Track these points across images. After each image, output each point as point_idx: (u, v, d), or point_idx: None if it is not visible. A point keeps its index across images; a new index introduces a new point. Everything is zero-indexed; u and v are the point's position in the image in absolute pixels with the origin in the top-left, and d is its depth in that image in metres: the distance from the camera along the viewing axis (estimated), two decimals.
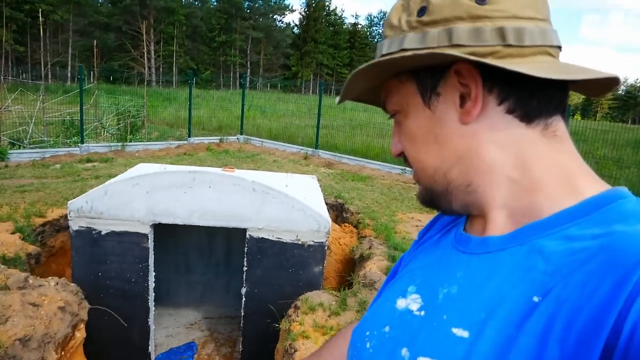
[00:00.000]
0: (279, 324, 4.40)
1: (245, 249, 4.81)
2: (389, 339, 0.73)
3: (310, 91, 68.74)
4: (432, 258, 0.79)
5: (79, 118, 11.38)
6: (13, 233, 5.24)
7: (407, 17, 0.69)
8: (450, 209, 0.74)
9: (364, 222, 6.88)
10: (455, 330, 0.63)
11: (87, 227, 4.64)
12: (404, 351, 0.68)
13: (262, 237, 4.77)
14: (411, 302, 0.74)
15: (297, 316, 4.10)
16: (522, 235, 0.64)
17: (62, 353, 4.00)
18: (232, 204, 4.68)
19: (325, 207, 5.22)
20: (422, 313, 0.70)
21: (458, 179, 0.70)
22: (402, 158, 0.78)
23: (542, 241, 0.61)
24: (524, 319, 0.57)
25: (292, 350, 3.65)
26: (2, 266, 4.25)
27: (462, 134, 0.68)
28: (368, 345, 0.76)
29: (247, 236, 4.78)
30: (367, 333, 0.78)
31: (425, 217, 7.67)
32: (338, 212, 7.88)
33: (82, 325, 4.35)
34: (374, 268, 4.99)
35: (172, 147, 12.56)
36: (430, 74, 0.69)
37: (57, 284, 4.21)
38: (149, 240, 4.73)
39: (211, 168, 6.18)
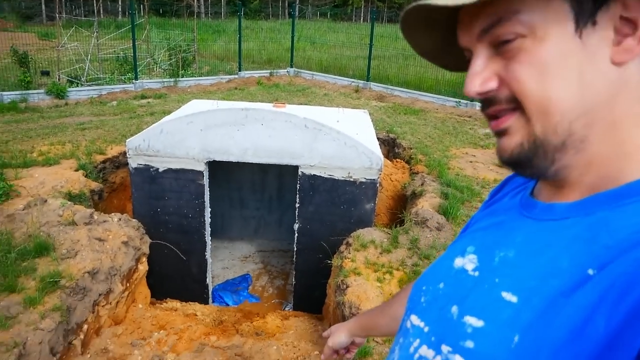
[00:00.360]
0: (331, 260, 4.49)
1: (298, 185, 4.85)
2: (442, 295, 0.74)
3: (362, 19, 66.46)
4: (497, 219, 0.77)
5: (132, 54, 11.53)
6: (76, 170, 5.49)
7: None
8: (546, 171, 0.63)
9: (416, 158, 6.77)
10: (504, 294, 0.62)
11: (145, 165, 4.79)
12: (454, 308, 0.69)
13: (314, 174, 4.78)
14: (467, 262, 0.73)
15: (349, 253, 4.15)
16: (590, 205, 0.60)
17: (127, 284, 4.26)
18: (284, 141, 4.68)
19: (377, 143, 5.14)
20: (476, 274, 0.70)
21: (579, 132, 0.59)
22: (483, 101, 0.65)
23: (609, 214, 0.58)
24: (574, 290, 0.55)
25: (344, 286, 3.72)
26: (69, 202, 4.48)
27: (609, 77, 0.58)
28: (422, 300, 0.78)
29: (299, 173, 4.80)
30: (424, 288, 0.80)
31: (480, 152, 7.45)
32: (390, 147, 7.78)
33: (144, 259, 4.60)
34: (426, 205, 4.94)
35: (222, 82, 12.60)
36: None
37: (120, 219, 4.42)
38: (204, 177, 4.84)
39: (262, 104, 6.17)
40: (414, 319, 0.78)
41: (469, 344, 0.64)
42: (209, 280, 5.43)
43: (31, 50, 12.25)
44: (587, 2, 0.57)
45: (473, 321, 0.65)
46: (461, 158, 7.00)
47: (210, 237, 5.24)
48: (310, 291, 5.15)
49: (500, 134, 0.64)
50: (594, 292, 0.53)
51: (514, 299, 0.61)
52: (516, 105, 0.61)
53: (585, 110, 0.58)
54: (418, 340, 0.74)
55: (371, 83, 13.12)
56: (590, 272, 0.55)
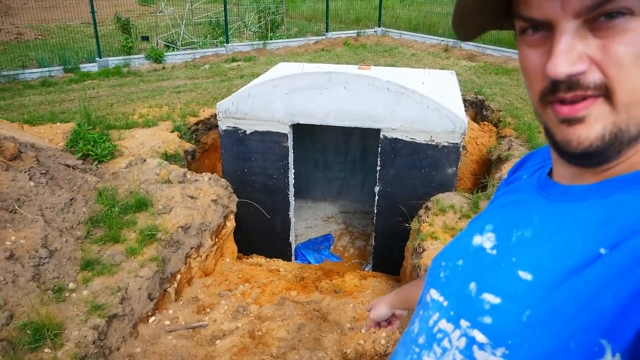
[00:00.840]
0: (410, 223, 4.52)
1: (379, 148, 4.88)
2: (461, 272, 0.76)
3: None
4: (515, 198, 0.78)
5: (223, 18, 11.88)
6: (172, 132, 5.87)
7: None
8: (608, 161, 0.60)
9: (504, 121, 6.51)
10: (521, 273, 0.65)
11: (233, 127, 5.03)
12: (472, 285, 0.72)
13: (395, 138, 4.78)
14: (486, 240, 0.75)
15: (428, 217, 4.16)
16: (605, 188, 0.61)
17: (216, 239, 4.58)
18: (366, 104, 4.70)
19: (462, 106, 5.01)
20: (494, 252, 0.72)
21: None
22: (559, 83, 0.58)
23: (624, 196, 0.59)
24: (585, 267, 0.57)
25: (421, 249, 3.76)
26: (165, 162, 4.84)
27: None
28: (441, 275, 0.80)
29: (381, 136, 4.82)
30: (443, 264, 0.82)
31: None
32: (477, 109, 7.52)
33: (232, 216, 4.89)
34: None
35: (310, 44, 12.67)
36: None
37: (210, 179, 4.71)
38: (289, 140, 5.01)
39: (347, 66, 6.18)
40: (434, 293, 0.80)
41: (487, 319, 0.66)
42: (292, 238, 5.67)
43: (132, 17, 12.98)
44: None
45: (491, 298, 0.67)
46: None
47: (294, 198, 5.45)
48: (389, 253, 5.23)
49: (573, 121, 0.59)
50: (604, 269, 0.55)
51: (529, 277, 0.63)
52: (604, 92, 0.56)
53: None
54: (437, 314, 0.77)
55: (461, 42, 12.57)
56: (602, 251, 0.57)
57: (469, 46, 12.31)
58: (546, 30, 0.59)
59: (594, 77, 0.56)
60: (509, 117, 6.61)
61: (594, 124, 0.57)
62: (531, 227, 0.68)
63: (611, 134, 0.57)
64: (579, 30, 0.56)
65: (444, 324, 0.74)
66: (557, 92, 0.58)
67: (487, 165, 5.68)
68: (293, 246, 5.78)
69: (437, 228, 3.95)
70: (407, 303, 1.27)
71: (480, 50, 11.87)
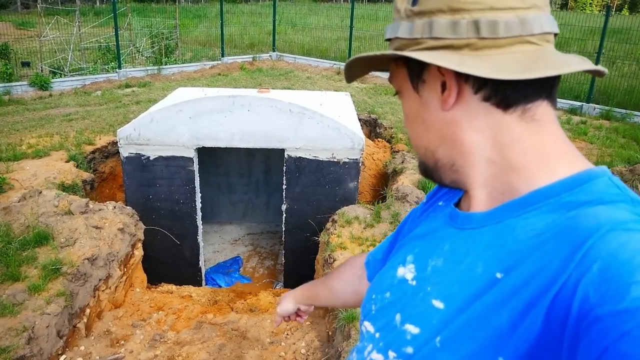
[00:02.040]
0: (318, 237, 4.73)
1: (284, 168, 5.06)
2: (388, 304, 0.81)
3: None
4: (431, 227, 0.85)
5: (114, 43, 11.54)
6: (67, 161, 5.64)
7: (406, 4, 0.71)
8: (442, 182, 0.79)
9: (397, 137, 7.00)
10: (434, 302, 0.70)
11: (136, 153, 4.96)
12: (398, 316, 0.77)
13: (299, 156, 4.99)
14: (407, 272, 0.81)
15: (335, 229, 4.39)
16: (499, 214, 0.69)
17: (125, 269, 4.47)
18: (271, 125, 4.87)
19: (359, 124, 5.36)
20: (414, 283, 0.78)
21: (443, 158, 0.75)
22: None
23: (515, 221, 0.66)
24: (485, 292, 0.63)
25: (331, 260, 3.97)
26: (63, 193, 4.65)
27: (443, 120, 0.72)
28: (373, 308, 0.86)
29: (286, 156, 5.01)
30: (373, 296, 0.87)
31: None
32: (371, 127, 8.00)
33: (140, 245, 4.80)
34: (406, 182, 5.19)
35: (206, 68, 12.67)
36: (417, 62, 0.70)
37: (115, 207, 4.60)
38: (194, 163, 5.03)
39: (247, 90, 6.33)
40: (367, 325, 0.85)
41: (409, 349, 0.72)
42: (201, 263, 5.65)
43: (9, 41, 12.17)
44: (415, 66, 0.72)
45: (412, 328, 0.73)
46: None
47: (201, 221, 5.45)
48: (300, 268, 5.40)
49: None
50: (500, 292, 0.62)
51: (441, 305, 0.69)
52: None
53: (438, 144, 0.74)
54: (371, 345, 0.82)
55: None
56: (499, 275, 0.63)
57: None
58: None
59: None
60: (400, 133, 7.12)
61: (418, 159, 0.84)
62: (442, 256, 0.75)
63: (421, 164, 0.81)
64: None
65: (375, 355, 0.79)
66: None
67: (385, 179, 6.08)
68: (203, 271, 5.75)
69: (345, 239, 4.19)
70: (311, 299, 1.31)
71: (370, 73, 12.57)
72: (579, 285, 0.52)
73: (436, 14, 0.67)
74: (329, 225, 4.66)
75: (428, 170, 0.80)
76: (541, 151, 0.68)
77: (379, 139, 7.33)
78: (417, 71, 0.73)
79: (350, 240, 4.16)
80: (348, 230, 4.31)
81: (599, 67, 0.68)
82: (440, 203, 0.89)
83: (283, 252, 5.53)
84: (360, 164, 5.03)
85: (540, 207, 0.65)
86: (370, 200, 5.74)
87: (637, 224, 0.54)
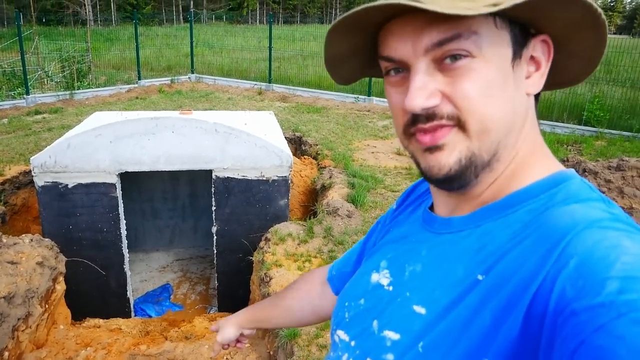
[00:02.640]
0: (252, 257, 4.68)
1: (213, 189, 4.98)
2: (363, 311, 0.79)
3: (257, 21, 66.42)
4: (404, 232, 0.83)
5: (20, 67, 10.90)
6: None
7: None
8: (468, 185, 0.68)
9: (322, 153, 7.12)
10: (415, 307, 0.68)
11: (53, 182, 4.68)
12: (375, 323, 0.74)
13: (228, 177, 4.94)
14: (382, 277, 0.78)
15: (269, 247, 4.37)
16: (477, 217, 0.67)
17: (46, 306, 4.18)
18: (197, 146, 4.79)
19: (285, 142, 5.40)
20: (391, 288, 0.75)
21: (499, 151, 0.65)
22: (418, 116, 0.65)
23: (493, 224, 0.65)
24: (466, 294, 0.62)
25: (268, 278, 3.94)
26: None
27: (525, 104, 0.67)
28: (346, 315, 0.82)
29: (213, 176, 4.94)
30: (346, 304, 0.84)
31: (380, 143, 7.97)
32: (297, 145, 8.07)
33: (62, 278, 4.51)
34: (336, 196, 5.28)
35: (122, 92, 12.25)
36: (524, 34, 0.64)
37: (32, 240, 4.31)
38: (117, 189, 4.83)
39: (170, 112, 6.20)
40: (341, 334, 0.82)
41: (390, 356, 0.69)
42: (129, 293, 5.40)
43: None
44: (520, 38, 0.64)
45: (391, 335, 0.70)
46: (363, 150, 7.47)
47: (127, 250, 5.22)
48: (234, 291, 5.30)
49: (434, 149, 0.65)
50: (481, 292, 0.61)
51: (423, 310, 0.67)
52: (457, 122, 0.63)
53: (508, 132, 0.65)
54: (346, 354, 0.78)
55: (273, 85, 13.37)
56: (480, 277, 0.62)
57: (280, 88, 13.13)
58: (405, 71, 0.66)
59: (447, 108, 0.63)
60: (326, 149, 7.25)
61: (452, 151, 0.64)
62: (420, 261, 0.73)
63: (466, 158, 0.64)
64: (429, 70, 0.63)
65: None
66: (417, 123, 0.65)
67: (314, 195, 6.14)
68: (132, 302, 5.50)
69: (279, 256, 4.18)
70: (259, 322, 1.27)
71: (291, 92, 12.74)
72: (557, 282, 0.52)
73: None
74: (262, 243, 4.63)
75: (469, 169, 0.65)
76: (542, 150, 0.68)
77: (305, 156, 7.42)
78: (522, 42, 0.64)
79: (285, 257, 4.16)
80: (282, 248, 4.31)
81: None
82: (410, 209, 0.87)
83: (215, 275, 5.41)
84: (289, 181, 5.06)
85: (518, 209, 0.64)
86: (301, 217, 5.78)
87: (612, 222, 0.56)
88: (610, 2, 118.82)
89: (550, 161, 0.69)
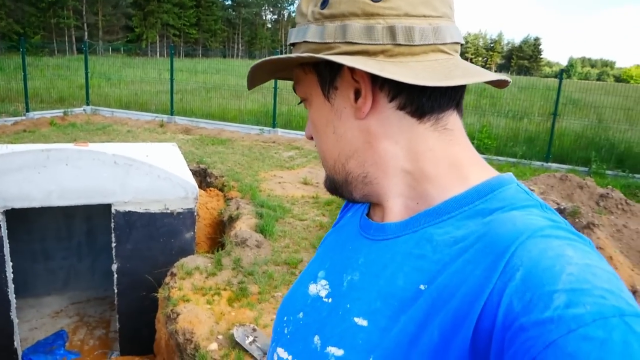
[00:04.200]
0: (157, 294, 4.46)
1: (112, 224, 4.72)
2: (303, 325, 0.75)
3: (157, 54, 65.16)
4: (341, 240, 0.82)
5: None
6: None
7: (313, 7, 0.68)
8: (352, 198, 0.75)
9: (229, 185, 7.04)
10: (356, 320, 0.65)
11: None
12: (316, 339, 0.70)
13: (129, 211, 4.71)
14: (321, 289, 0.76)
15: (175, 282, 4.20)
16: (415, 223, 0.67)
17: None
18: (94, 179, 4.53)
19: (190, 173, 5.27)
20: (330, 300, 0.73)
21: (355, 170, 0.71)
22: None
23: (431, 229, 0.65)
24: (410, 306, 0.60)
25: (175, 314, 3.77)
26: None
27: (357, 128, 0.69)
28: (286, 331, 0.78)
29: (113, 211, 4.68)
30: (285, 318, 0.80)
31: (286, 173, 8.04)
32: (202, 177, 7.92)
33: None
34: (244, 227, 5.21)
35: (7, 125, 11.36)
36: (329, 68, 0.68)
37: None
38: (2, 229, 4.42)
39: (63, 144, 5.83)
40: (281, 352, 0.77)
41: None
42: (17, 344, 4.89)
43: None
44: (326, 73, 0.69)
45: (334, 350, 0.66)
46: (270, 180, 7.48)
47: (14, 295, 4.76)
48: (138, 332, 4.99)
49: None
50: (426, 304, 0.59)
51: (364, 323, 0.64)
52: None
53: (350, 154, 0.70)
54: None
55: (176, 117, 13.09)
56: (422, 287, 0.60)
57: (183, 121, 12.89)
58: None
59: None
60: (232, 180, 7.17)
61: (325, 173, 0.78)
62: (358, 270, 0.71)
63: (330, 179, 0.77)
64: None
65: None
66: None
67: (221, 226, 6.03)
68: (19, 353, 4.98)
69: (187, 291, 4.02)
70: None
71: (195, 124, 12.54)
72: (504, 295, 0.51)
73: (349, 17, 0.64)
74: (168, 279, 4.43)
75: (337, 186, 0.75)
76: (454, 160, 0.68)
77: (210, 188, 7.28)
78: (329, 77, 0.69)
79: (192, 292, 4.01)
80: (189, 282, 4.15)
81: (506, 77, 0.69)
82: (348, 214, 0.87)
83: (117, 316, 5.07)
84: (195, 213, 4.92)
85: (455, 215, 0.64)
86: (209, 250, 5.62)
87: (553, 230, 0.56)
88: (490, 44, 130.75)
89: (484, 168, 0.70)
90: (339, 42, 0.65)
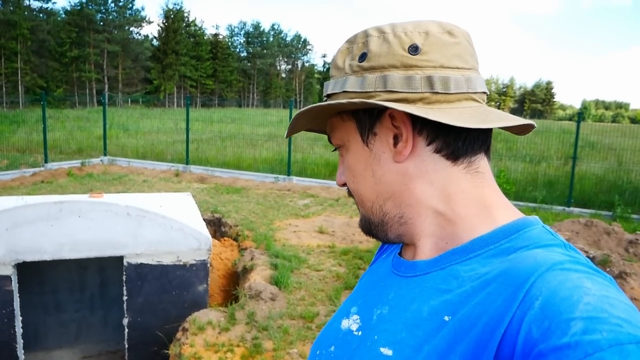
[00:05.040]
0: (168, 350, 4.29)
1: (124, 277, 4.61)
2: (334, 358, 0.79)
3: (175, 104, 66.72)
4: (374, 278, 0.86)
5: None
6: None
7: (350, 61, 0.75)
8: (386, 238, 0.78)
9: (243, 234, 6.92)
10: (382, 350, 0.68)
11: None
12: None
13: (141, 263, 4.60)
14: (352, 323, 0.80)
15: (187, 338, 4.03)
16: (443, 260, 0.71)
17: None
18: (106, 231, 4.46)
19: (203, 223, 5.18)
20: (360, 333, 0.76)
21: (392, 211, 0.76)
22: (347, 189, 0.82)
23: (458, 266, 0.68)
24: (434, 336, 0.63)
25: None
26: None
27: (395, 171, 0.73)
28: None
29: (125, 263, 4.58)
30: (318, 352, 0.84)
31: (302, 222, 7.90)
32: (216, 226, 7.82)
33: None
34: (258, 278, 5.06)
35: (26, 176, 11.50)
36: (368, 115, 0.74)
37: None
38: (13, 282, 4.34)
39: (77, 195, 5.81)
40: None
41: None
42: None
43: None
44: (365, 119, 0.75)
45: None
46: (285, 229, 7.35)
47: (23, 351, 4.63)
48: None
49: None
50: (449, 335, 0.61)
51: (390, 352, 0.67)
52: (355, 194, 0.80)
53: (387, 196, 0.75)
54: None
55: (191, 166, 13.16)
56: (446, 318, 0.63)
57: (198, 170, 12.94)
58: None
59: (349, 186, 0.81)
60: (247, 230, 7.06)
61: (360, 214, 0.82)
62: (388, 304, 0.75)
63: (364, 220, 0.81)
64: (341, 159, 0.82)
65: None
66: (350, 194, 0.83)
67: (235, 278, 5.87)
68: None
69: (198, 347, 3.85)
70: None
71: (210, 173, 12.58)
72: (523, 323, 0.53)
73: (389, 69, 0.71)
74: (179, 335, 4.27)
75: (372, 227, 0.79)
76: (484, 202, 0.72)
77: (225, 238, 7.17)
78: (368, 124, 0.75)
79: (205, 349, 3.83)
80: (201, 338, 3.98)
81: (533, 122, 0.75)
82: (383, 256, 0.91)
83: None
84: (208, 265, 4.79)
85: (481, 253, 0.67)
86: (222, 302, 5.46)
87: (572, 264, 0.58)
88: (502, 88, 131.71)
89: (511, 210, 0.73)
90: (380, 91, 0.70)
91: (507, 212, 0.72)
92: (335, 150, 0.83)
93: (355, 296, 0.87)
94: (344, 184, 0.82)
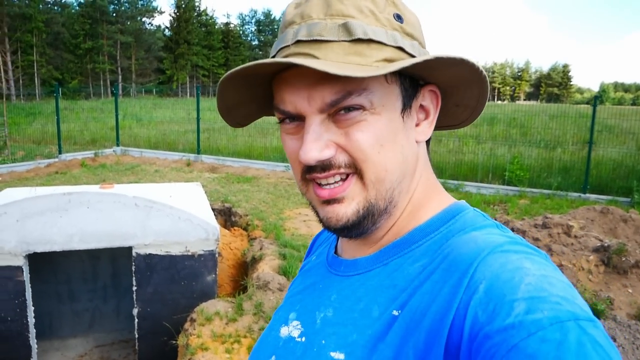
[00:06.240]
0: (177, 340, 4.32)
1: (133, 267, 4.64)
2: None
3: (188, 94, 66.97)
4: (309, 281, 0.80)
5: None
6: None
7: (380, 13, 0.63)
8: (367, 232, 0.68)
9: (252, 224, 6.92)
10: (333, 354, 0.64)
11: None
12: None
13: (149, 253, 4.62)
14: (293, 329, 0.74)
15: (194, 329, 4.05)
16: (384, 255, 0.68)
17: None
18: (114, 222, 4.48)
19: (212, 213, 5.18)
20: (303, 339, 0.71)
21: (395, 198, 0.67)
22: (314, 166, 0.64)
23: (400, 259, 0.66)
24: (386, 332, 0.61)
25: None
26: None
27: (414, 152, 0.68)
28: None
29: (134, 254, 4.61)
30: None
31: (312, 211, 7.89)
32: (226, 216, 7.83)
33: None
34: (267, 268, 5.06)
35: (41, 167, 11.64)
36: (411, 85, 0.66)
37: None
38: (24, 273, 4.38)
39: (88, 186, 5.85)
40: None
41: None
42: None
43: None
44: (410, 90, 0.66)
45: None
46: (295, 219, 7.34)
47: (36, 340, 4.69)
48: None
49: (333, 202, 0.65)
50: (400, 328, 0.60)
51: (341, 356, 0.63)
52: (354, 169, 0.64)
53: (401, 179, 0.66)
54: None
55: (202, 155, 13.20)
56: (396, 313, 0.61)
57: (210, 159, 12.97)
58: (300, 120, 0.65)
59: (342, 158, 0.63)
60: (256, 219, 7.06)
61: (351, 202, 0.65)
62: (331, 306, 0.70)
63: (364, 209, 0.65)
64: (324, 122, 0.63)
65: None
66: (313, 172, 0.64)
67: (244, 268, 5.88)
68: None
69: (206, 338, 3.86)
70: None
71: (221, 162, 12.60)
72: (469, 308, 0.53)
73: (424, 46, 0.70)
74: (187, 325, 4.29)
75: (370, 217, 0.66)
76: (435, 190, 0.73)
77: (235, 228, 7.18)
78: (411, 94, 0.67)
79: (212, 339, 3.84)
80: (209, 329, 3.99)
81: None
82: (313, 258, 0.87)
83: None
84: (216, 255, 4.80)
85: (422, 243, 0.66)
86: (231, 292, 5.47)
87: (511, 245, 0.59)
88: (517, 72, 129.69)
89: (443, 195, 0.73)
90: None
91: (441, 198, 0.72)
92: (284, 120, 0.67)
93: (291, 302, 0.81)
94: (326, 159, 0.63)
